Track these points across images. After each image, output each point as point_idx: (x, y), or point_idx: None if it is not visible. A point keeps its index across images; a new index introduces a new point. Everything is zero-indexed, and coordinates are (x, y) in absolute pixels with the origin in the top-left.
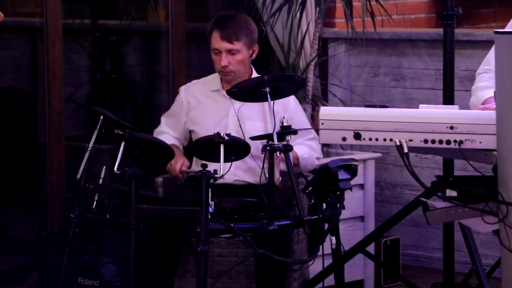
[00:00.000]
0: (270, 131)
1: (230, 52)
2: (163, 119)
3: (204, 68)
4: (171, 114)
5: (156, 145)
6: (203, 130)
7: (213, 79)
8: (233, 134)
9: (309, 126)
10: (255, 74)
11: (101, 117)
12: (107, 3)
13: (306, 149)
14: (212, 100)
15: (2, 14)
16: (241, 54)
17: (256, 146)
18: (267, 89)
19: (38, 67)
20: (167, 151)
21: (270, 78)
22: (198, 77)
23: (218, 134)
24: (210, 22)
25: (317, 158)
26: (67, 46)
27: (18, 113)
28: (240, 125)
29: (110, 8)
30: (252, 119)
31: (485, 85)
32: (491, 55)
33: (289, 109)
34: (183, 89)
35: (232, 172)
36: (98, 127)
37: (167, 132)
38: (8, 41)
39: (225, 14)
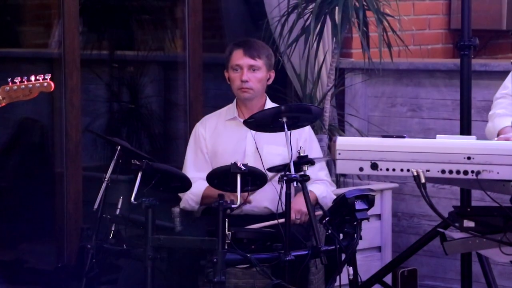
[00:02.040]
0: (288, 155)
1: (251, 68)
2: (190, 167)
3: (221, 98)
4: (197, 156)
5: (173, 175)
6: (222, 157)
7: (228, 109)
8: (251, 159)
9: (321, 154)
10: (268, 102)
11: (118, 147)
12: (125, 33)
13: (322, 187)
14: (229, 128)
15: (52, 84)
16: (261, 72)
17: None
18: (284, 119)
19: (55, 97)
20: (184, 181)
21: (287, 109)
22: (215, 107)
23: (235, 164)
24: (229, 46)
25: (332, 191)
26: (84, 77)
27: (36, 143)
28: (258, 150)
29: (128, 39)
30: (269, 144)
31: (503, 112)
32: (508, 79)
33: (305, 132)
34: (199, 125)
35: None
36: (115, 158)
37: (201, 177)
38: (26, 72)
39: (245, 38)
